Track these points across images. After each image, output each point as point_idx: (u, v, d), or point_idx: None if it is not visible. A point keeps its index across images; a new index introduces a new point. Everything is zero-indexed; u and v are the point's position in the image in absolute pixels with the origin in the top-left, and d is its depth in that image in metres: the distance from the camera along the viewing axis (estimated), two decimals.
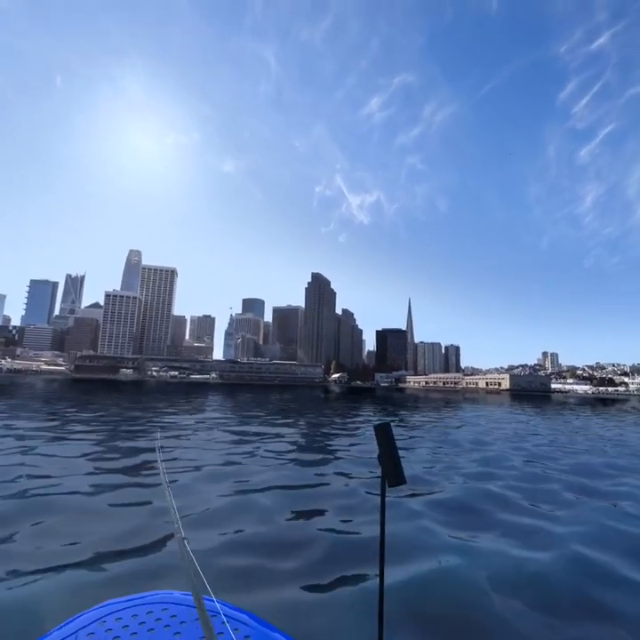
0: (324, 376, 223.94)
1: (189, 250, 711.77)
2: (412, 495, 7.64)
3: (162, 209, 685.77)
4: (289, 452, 12.18)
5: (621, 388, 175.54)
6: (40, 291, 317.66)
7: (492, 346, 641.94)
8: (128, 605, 1.35)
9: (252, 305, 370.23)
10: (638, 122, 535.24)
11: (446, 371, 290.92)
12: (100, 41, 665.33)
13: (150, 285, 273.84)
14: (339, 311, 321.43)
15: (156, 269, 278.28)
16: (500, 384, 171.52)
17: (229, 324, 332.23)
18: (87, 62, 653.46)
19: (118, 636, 1.18)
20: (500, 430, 20.99)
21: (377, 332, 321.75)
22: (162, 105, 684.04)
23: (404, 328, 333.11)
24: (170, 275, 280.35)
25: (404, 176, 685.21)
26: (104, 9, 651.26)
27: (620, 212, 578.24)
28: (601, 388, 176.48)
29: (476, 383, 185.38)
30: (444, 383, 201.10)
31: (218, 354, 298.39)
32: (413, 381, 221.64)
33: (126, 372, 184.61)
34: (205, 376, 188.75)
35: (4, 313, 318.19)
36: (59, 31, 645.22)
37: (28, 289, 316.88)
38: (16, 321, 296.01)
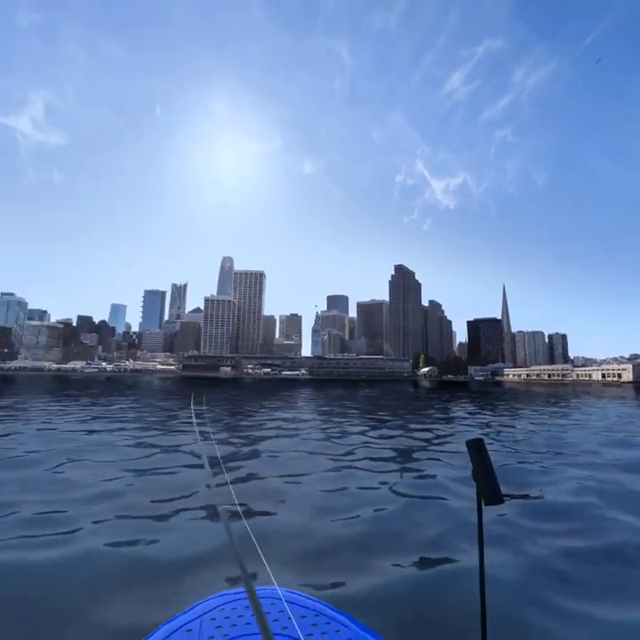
0: (412, 370, 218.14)
1: (275, 252, 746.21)
2: None
3: (249, 215, 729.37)
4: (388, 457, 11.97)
5: None
6: (152, 300, 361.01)
7: (606, 333, 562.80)
8: (241, 597, 1.47)
9: (337, 301, 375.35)
10: None
11: (551, 362, 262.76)
12: (189, 68, 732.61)
13: (242, 289, 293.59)
14: (425, 303, 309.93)
15: (246, 273, 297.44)
16: (620, 375, 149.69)
17: (315, 321, 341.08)
18: (181, 90, 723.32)
19: (235, 625, 1.31)
20: None
21: (468, 322, 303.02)
22: (244, 116, 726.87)
23: (498, 317, 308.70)
24: (258, 278, 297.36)
25: (493, 152, 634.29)
26: (191, 37, 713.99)
27: None
28: None
29: (590, 375, 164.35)
30: (548, 376, 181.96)
31: (306, 350, 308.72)
32: (512, 374, 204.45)
33: (225, 370, 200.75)
34: (295, 372, 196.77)
35: (126, 320, 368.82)
36: (156, 67, 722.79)
37: (142, 299, 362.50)
38: (135, 327, 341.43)
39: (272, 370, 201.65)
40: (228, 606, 1.42)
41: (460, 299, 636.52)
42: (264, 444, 12.11)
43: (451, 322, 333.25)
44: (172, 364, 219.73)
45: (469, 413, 25.13)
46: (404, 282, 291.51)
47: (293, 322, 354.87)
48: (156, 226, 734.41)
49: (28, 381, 66.96)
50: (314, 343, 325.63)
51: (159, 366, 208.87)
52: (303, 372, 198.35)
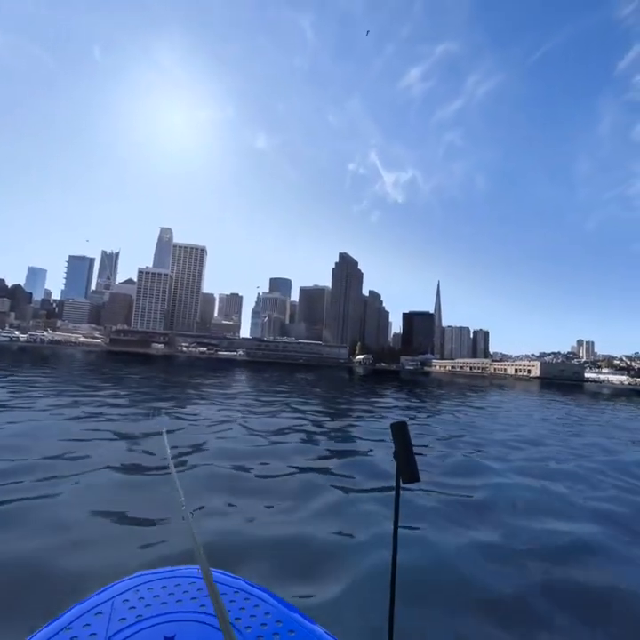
0: (348, 357, 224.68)
1: (219, 228, 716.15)
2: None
3: (193, 186, 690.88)
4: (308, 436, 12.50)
5: None
6: (78, 266, 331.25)
7: (523, 332, 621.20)
8: (159, 577, 1.46)
9: (279, 284, 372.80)
10: None
11: (474, 356, 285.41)
12: (140, 11, 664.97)
13: (181, 263, 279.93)
14: (365, 292, 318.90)
15: (186, 247, 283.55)
16: (529, 371, 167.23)
17: (257, 302, 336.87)
18: (126, 33, 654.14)
19: (149, 605, 1.26)
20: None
21: (404, 314, 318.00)
22: (197, 79, 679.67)
23: (431, 311, 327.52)
24: (199, 253, 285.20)
25: (442, 153, 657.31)
26: None
27: None
28: (639, 380, 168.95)
29: (505, 369, 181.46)
30: (471, 368, 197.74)
31: (245, 332, 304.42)
32: (439, 365, 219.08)
33: (158, 347, 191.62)
34: (233, 353, 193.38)
35: (46, 287, 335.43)
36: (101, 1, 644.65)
37: (66, 264, 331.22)
38: (56, 295, 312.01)
39: (208, 349, 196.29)
40: (144, 587, 1.38)
41: (399, 291, 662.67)
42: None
43: (388, 313, 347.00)
44: (97, 337, 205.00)
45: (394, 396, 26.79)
46: (346, 270, 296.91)
47: (233, 301, 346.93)
48: (88, 184, 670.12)
49: None
50: (253, 325, 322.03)
51: (83, 339, 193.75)
52: (240, 352, 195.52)
